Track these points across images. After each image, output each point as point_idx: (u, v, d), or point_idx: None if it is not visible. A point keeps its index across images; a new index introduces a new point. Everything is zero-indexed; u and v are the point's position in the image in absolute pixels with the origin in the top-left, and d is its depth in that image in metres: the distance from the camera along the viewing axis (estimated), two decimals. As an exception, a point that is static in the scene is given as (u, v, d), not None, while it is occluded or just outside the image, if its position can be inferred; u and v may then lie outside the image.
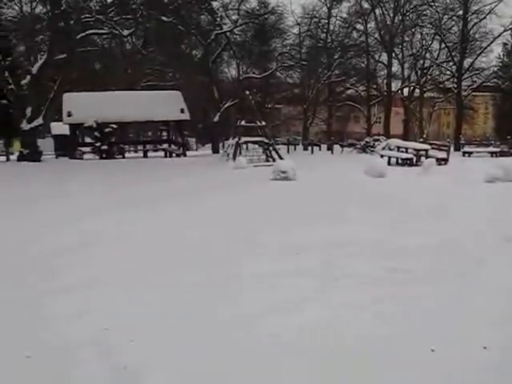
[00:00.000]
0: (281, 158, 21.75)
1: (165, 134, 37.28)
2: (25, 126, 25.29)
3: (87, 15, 26.63)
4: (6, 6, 38.23)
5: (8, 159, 29.46)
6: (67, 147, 28.99)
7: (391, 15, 44.67)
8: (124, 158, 28.31)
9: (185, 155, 29.47)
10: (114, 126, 27.67)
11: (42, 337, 4.20)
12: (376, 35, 45.83)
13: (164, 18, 29.53)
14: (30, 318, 4.61)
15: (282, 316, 4.55)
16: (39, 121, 25.61)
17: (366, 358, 3.76)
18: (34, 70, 26.63)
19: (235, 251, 6.93)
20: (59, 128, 30.98)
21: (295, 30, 47.44)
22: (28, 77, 27.02)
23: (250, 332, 4.22)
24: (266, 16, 43.50)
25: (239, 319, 4.47)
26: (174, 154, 29.92)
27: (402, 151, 24.06)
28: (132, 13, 27.10)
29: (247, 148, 24.65)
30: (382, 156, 23.31)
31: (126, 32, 29.50)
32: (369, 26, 46.19)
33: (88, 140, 30.95)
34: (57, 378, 3.59)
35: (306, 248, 6.89)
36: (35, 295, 5.21)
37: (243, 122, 24.05)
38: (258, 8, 44.05)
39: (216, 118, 36.64)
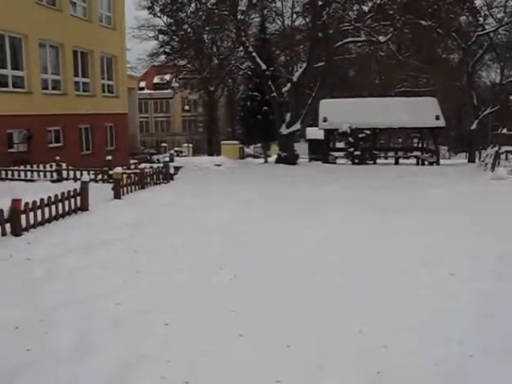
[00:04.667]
0: (547, 169, 19.77)
1: (416, 141, 36.56)
2: (284, 130, 26.82)
3: (345, 24, 27.17)
4: (273, 20, 41.31)
5: (266, 161, 31.58)
6: (320, 151, 30.06)
7: None
8: (375, 163, 28.36)
9: (438, 163, 28.45)
10: (367, 132, 27.86)
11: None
12: None
13: (422, 22, 28.78)
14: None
15: None
16: (297, 126, 26.94)
17: None
18: (295, 77, 28.12)
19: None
20: (313, 133, 32.21)
21: None
22: (288, 84, 28.67)
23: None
24: (538, 11, 39.70)
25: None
26: (426, 162, 29.10)
27: None
28: (389, 18, 26.85)
29: (506, 158, 22.96)
30: None
31: (382, 38, 29.42)
32: None
33: (340, 145, 31.68)
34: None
35: None
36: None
37: (504, 130, 22.40)
38: (528, 3, 40.40)
39: (473, 126, 34.74)
